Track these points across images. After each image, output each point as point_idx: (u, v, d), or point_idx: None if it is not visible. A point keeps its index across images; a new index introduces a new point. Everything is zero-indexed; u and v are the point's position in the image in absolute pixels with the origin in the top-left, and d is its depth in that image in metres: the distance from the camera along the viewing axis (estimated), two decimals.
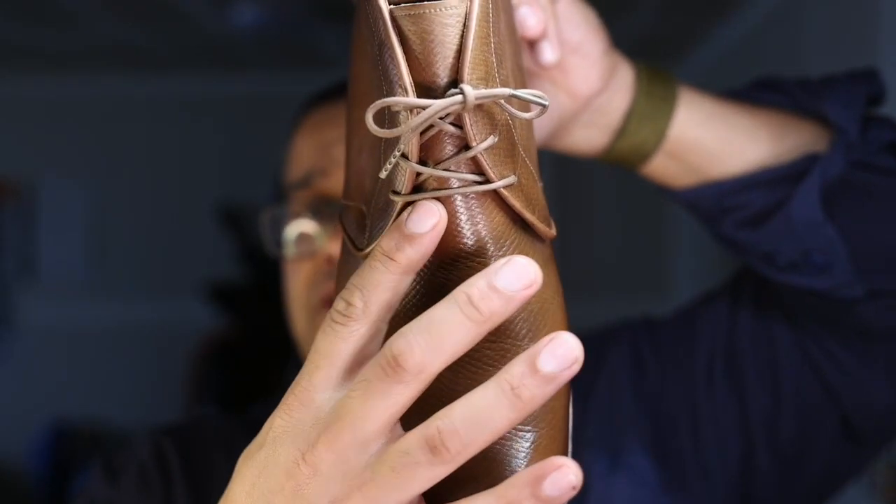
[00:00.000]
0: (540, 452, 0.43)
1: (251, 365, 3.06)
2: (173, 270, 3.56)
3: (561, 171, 3.57)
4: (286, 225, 0.77)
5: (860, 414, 0.69)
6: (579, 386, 0.77)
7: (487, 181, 0.41)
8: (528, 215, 0.42)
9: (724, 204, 0.65)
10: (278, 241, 0.78)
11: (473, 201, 0.41)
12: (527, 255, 0.42)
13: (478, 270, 0.40)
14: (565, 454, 0.45)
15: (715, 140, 0.64)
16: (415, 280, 0.41)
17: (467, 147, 0.40)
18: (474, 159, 0.40)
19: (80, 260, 3.64)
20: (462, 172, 0.40)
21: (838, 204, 0.62)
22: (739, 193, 0.64)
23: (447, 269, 0.42)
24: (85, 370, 3.58)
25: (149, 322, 3.54)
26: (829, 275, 0.63)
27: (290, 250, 0.77)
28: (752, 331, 0.72)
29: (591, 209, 3.61)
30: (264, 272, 3.16)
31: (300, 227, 0.76)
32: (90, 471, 0.77)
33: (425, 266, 0.41)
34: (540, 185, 0.46)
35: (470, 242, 0.41)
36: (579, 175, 3.58)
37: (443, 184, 0.41)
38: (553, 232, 0.45)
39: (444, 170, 0.40)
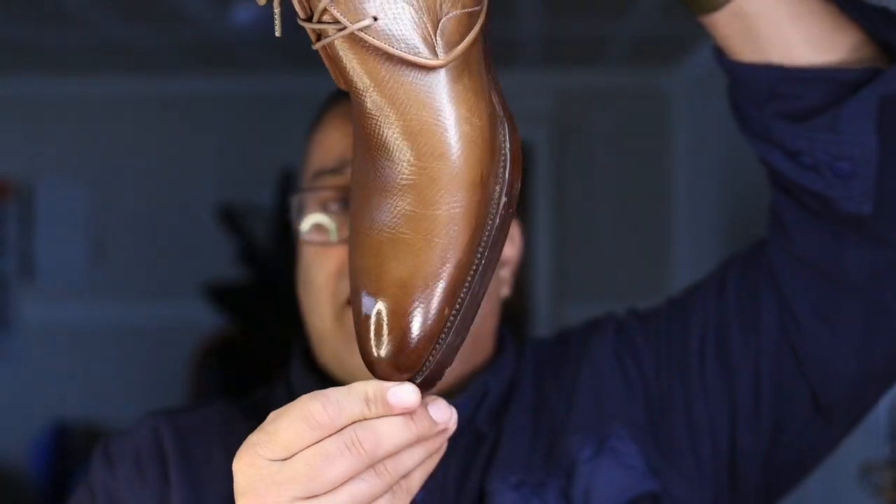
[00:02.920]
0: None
1: (251, 365, 3.06)
2: (173, 270, 3.56)
3: (562, 173, 3.57)
4: (308, 213, 0.75)
5: (826, 385, 0.71)
6: (564, 376, 0.78)
7: (344, 28, 0.48)
8: (392, 51, 0.48)
9: (777, 89, 0.65)
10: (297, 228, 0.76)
11: (346, 45, 0.49)
12: (403, 87, 0.49)
13: (361, 100, 0.49)
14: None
15: (791, 21, 0.64)
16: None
17: None
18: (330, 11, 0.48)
19: (80, 260, 3.64)
20: (327, 23, 0.49)
21: (885, 125, 0.63)
22: (800, 84, 0.64)
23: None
24: (85, 370, 3.58)
25: (149, 322, 3.54)
26: (847, 186, 0.64)
27: (311, 235, 0.75)
28: (738, 307, 0.74)
29: (592, 213, 3.61)
30: (264, 272, 3.17)
31: (315, 219, 0.75)
32: (92, 457, 0.77)
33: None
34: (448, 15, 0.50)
35: (355, 78, 0.49)
36: (580, 177, 3.58)
37: (326, 34, 0.49)
38: (439, 61, 0.49)
39: (318, 22, 0.49)
